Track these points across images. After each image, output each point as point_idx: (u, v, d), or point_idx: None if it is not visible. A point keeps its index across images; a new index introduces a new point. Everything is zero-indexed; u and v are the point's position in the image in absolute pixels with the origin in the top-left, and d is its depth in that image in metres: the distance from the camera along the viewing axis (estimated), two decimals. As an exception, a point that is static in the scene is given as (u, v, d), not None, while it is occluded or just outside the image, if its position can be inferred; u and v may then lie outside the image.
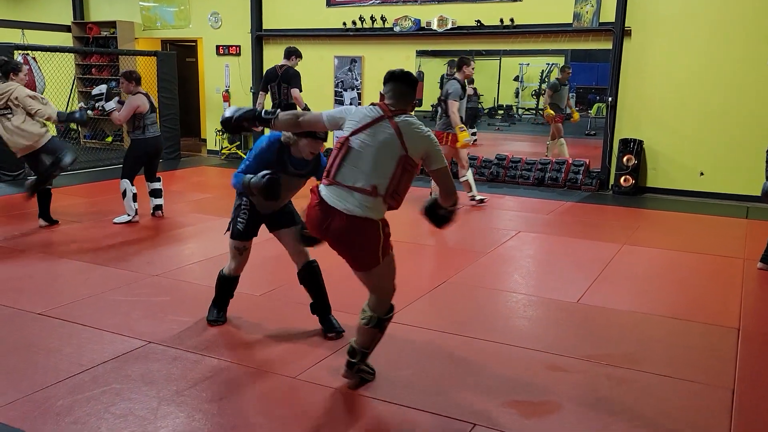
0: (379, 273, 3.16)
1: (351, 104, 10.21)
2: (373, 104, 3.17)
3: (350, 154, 3.07)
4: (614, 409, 3.18)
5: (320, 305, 3.99)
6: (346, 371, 3.32)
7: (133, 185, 6.69)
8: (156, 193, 7.03)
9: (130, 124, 6.62)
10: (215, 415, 3.06)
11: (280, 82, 8.23)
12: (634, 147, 8.71)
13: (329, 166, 3.13)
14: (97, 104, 6.59)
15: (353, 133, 3.09)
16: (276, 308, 4.42)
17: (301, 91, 8.14)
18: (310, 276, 3.95)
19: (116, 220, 6.72)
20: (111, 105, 6.52)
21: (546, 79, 11.29)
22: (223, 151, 11.58)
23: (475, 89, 10.95)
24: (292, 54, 8.28)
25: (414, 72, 10.16)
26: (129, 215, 6.70)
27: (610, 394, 3.32)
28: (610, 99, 8.87)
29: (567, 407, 3.19)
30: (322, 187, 3.13)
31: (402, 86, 3.20)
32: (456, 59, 7.82)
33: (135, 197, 6.72)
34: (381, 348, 3.79)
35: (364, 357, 3.30)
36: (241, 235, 3.90)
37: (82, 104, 6.73)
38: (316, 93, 10.92)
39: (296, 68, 8.27)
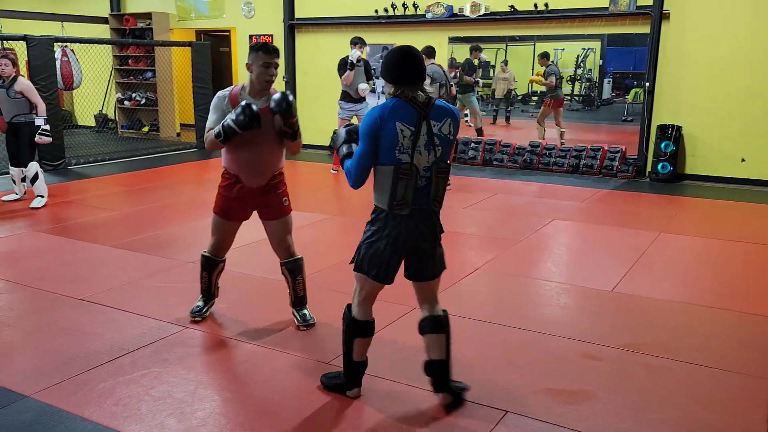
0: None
1: (383, 92, 10.16)
2: None
3: None
4: (649, 398, 3.15)
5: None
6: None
7: None
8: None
9: (29, 106, 6.76)
10: (251, 398, 3.12)
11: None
12: (672, 133, 8.52)
13: None
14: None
15: None
16: (313, 294, 4.48)
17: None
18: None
19: (35, 204, 6.81)
20: (40, 120, 6.74)
21: (582, 64, 11.08)
22: (256, 140, 11.68)
23: None
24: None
25: (446, 57, 10.16)
26: (43, 196, 6.89)
27: (645, 384, 3.29)
28: (647, 84, 8.69)
29: (600, 396, 3.17)
30: None
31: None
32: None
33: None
34: (412, 336, 3.81)
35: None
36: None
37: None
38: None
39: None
